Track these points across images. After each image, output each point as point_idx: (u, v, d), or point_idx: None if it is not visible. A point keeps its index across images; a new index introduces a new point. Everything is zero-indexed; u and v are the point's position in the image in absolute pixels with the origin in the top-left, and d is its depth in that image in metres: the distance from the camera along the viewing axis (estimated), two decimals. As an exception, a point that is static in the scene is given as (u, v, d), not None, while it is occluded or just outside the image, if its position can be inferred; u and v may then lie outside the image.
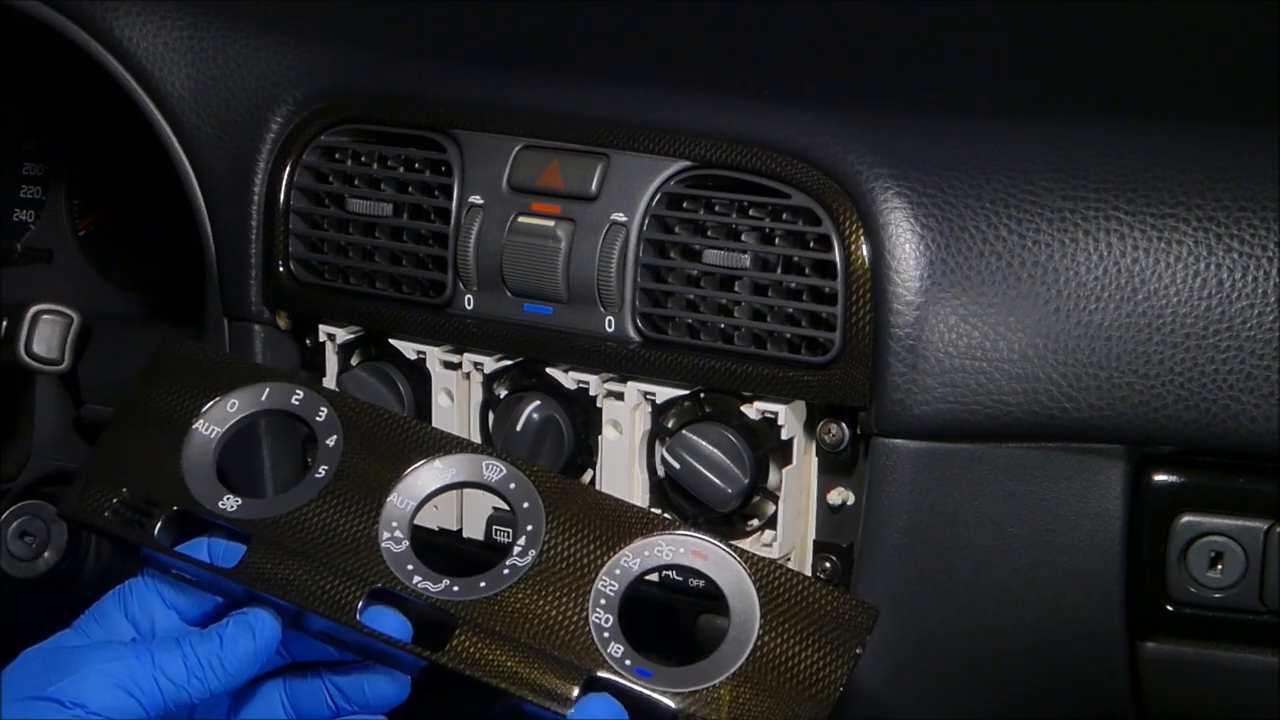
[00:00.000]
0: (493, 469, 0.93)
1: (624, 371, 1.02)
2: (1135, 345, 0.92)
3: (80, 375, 1.28)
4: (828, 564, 1.01)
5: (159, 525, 0.91)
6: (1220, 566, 0.94)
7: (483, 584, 0.90)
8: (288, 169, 1.11)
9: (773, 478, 0.99)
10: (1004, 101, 1.00)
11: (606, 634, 0.88)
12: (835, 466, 1.00)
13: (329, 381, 1.12)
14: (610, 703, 0.85)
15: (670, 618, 1.03)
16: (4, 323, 1.28)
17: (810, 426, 1.00)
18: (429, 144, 1.07)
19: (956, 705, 1.02)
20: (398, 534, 0.92)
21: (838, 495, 1.00)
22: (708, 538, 0.89)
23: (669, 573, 0.95)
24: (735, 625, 0.88)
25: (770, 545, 1.00)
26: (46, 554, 1.36)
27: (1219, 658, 0.96)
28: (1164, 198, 0.93)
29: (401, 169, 1.07)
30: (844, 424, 0.98)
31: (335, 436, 0.95)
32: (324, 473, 0.94)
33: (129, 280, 1.43)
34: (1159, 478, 0.95)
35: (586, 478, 1.05)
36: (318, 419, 0.96)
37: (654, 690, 0.86)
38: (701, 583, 0.91)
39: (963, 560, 0.96)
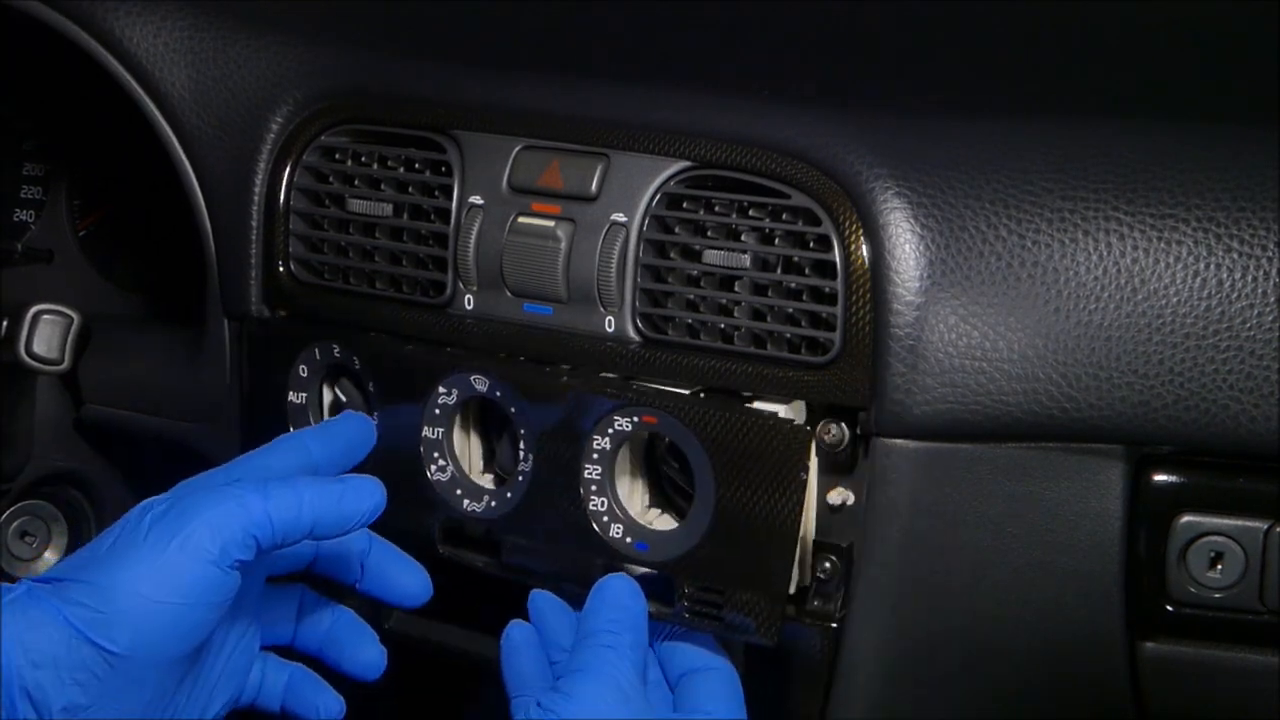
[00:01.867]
0: (480, 381, 1.02)
1: (624, 372, 1.02)
2: (1135, 345, 0.92)
3: (80, 375, 1.28)
4: (828, 564, 1.00)
5: None
6: (1220, 566, 0.94)
7: (509, 494, 1.02)
8: (288, 169, 1.11)
9: (772, 478, 0.99)
10: (1004, 101, 1.00)
11: (605, 518, 0.99)
12: (835, 466, 0.99)
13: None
14: (623, 580, 0.95)
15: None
16: (4, 323, 1.28)
17: (810, 426, 0.99)
18: (429, 144, 1.07)
19: (956, 705, 1.02)
20: (440, 463, 1.03)
21: (838, 495, 1.00)
22: (650, 403, 0.97)
23: (639, 436, 1.00)
24: (699, 480, 0.96)
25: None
26: (46, 554, 1.36)
27: (1219, 658, 0.96)
28: (1164, 198, 0.93)
29: (401, 169, 1.07)
30: (844, 424, 0.97)
31: (372, 382, 1.04)
32: (376, 419, 1.04)
33: (129, 280, 1.43)
34: (1159, 478, 0.95)
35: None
36: (356, 367, 1.05)
37: (652, 568, 0.97)
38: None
39: (963, 560, 0.96)
